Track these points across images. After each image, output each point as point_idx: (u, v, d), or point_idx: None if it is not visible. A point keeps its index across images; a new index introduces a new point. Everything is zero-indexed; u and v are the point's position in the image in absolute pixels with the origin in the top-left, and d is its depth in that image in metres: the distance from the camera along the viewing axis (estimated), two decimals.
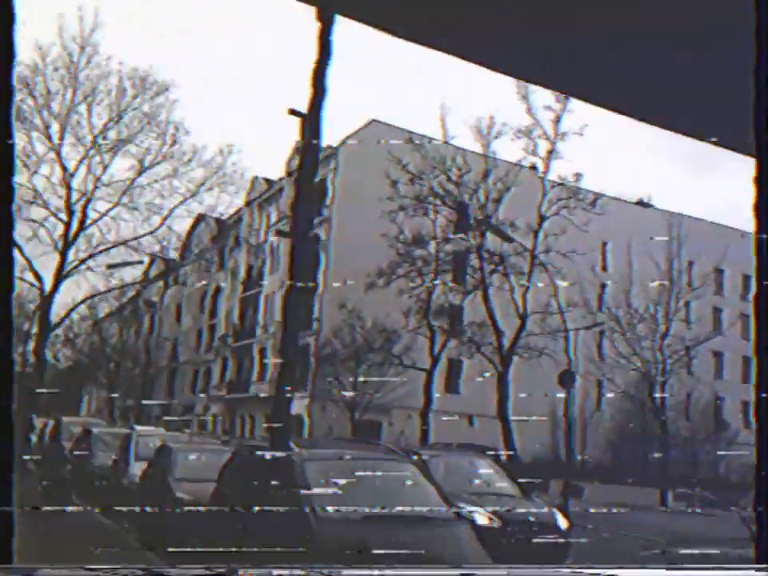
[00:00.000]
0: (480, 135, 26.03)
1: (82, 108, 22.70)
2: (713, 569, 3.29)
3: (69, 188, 22.79)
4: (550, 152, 24.31)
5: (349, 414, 32.48)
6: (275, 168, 62.62)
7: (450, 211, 27.32)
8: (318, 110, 5.78)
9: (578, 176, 25.55)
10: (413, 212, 27.92)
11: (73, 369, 49.45)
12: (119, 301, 43.81)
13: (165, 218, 24.37)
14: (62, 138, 22.43)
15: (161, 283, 48.37)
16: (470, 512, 9.74)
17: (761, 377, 3.19)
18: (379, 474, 7.18)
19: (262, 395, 37.44)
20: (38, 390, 22.99)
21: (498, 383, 24.69)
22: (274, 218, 41.71)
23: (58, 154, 22.57)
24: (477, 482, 11.41)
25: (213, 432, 38.32)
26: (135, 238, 24.13)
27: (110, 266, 25.14)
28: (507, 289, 25.07)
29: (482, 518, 9.80)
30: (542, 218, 25.35)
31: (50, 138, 22.31)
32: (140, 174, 23.69)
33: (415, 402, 29.04)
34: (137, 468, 12.44)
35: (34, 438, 21.17)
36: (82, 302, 30.85)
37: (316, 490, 6.52)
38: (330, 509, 6.36)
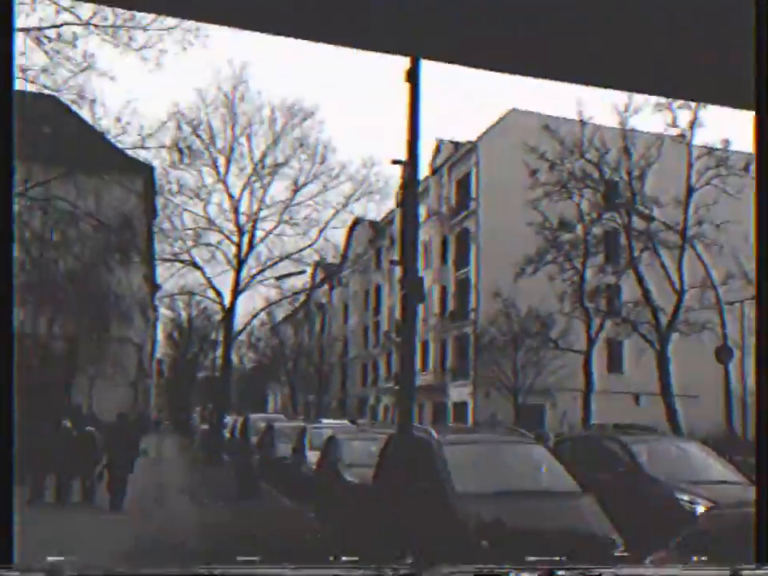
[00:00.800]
0: (618, 113, 25.62)
1: (242, 140, 25.32)
2: (713, 568, 3.17)
3: (236, 213, 25.54)
4: (693, 121, 23.52)
5: (512, 398, 33.28)
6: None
7: (593, 193, 27.18)
8: (415, 156, 6.83)
9: (727, 142, 24.50)
10: (557, 197, 27.96)
11: (257, 370, 54.15)
12: (293, 305, 47.36)
13: (321, 230, 26.45)
14: (227, 169, 25.22)
15: (326, 286, 51.59)
16: (691, 502, 8.53)
17: (760, 377, 3.12)
18: (510, 454, 8.19)
19: (426, 384, 39.19)
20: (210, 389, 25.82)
21: (659, 361, 24.36)
22: (423, 216, 43.23)
23: (225, 183, 25.36)
24: (692, 468, 9.87)
25: (384, 421, 40.59)
26: (298, 251, 26.45)
27: (278, 278, 27.74)
28: (658, 265, 24.66)
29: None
30: (691, 190, 24.62)
31: (217, 170, 25.16)
32: (295, 192, 25.94)
33: (577, 383, 29.16)
34: (312, 456, 14.25)
35: (226, 434, 24.02)
36: (262, 310, 34.06)
37: (453, 470, 7.66)
38: (465, 486, 7.45)
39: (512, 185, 31.33)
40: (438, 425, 31.94)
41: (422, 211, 43.71)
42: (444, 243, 40.55)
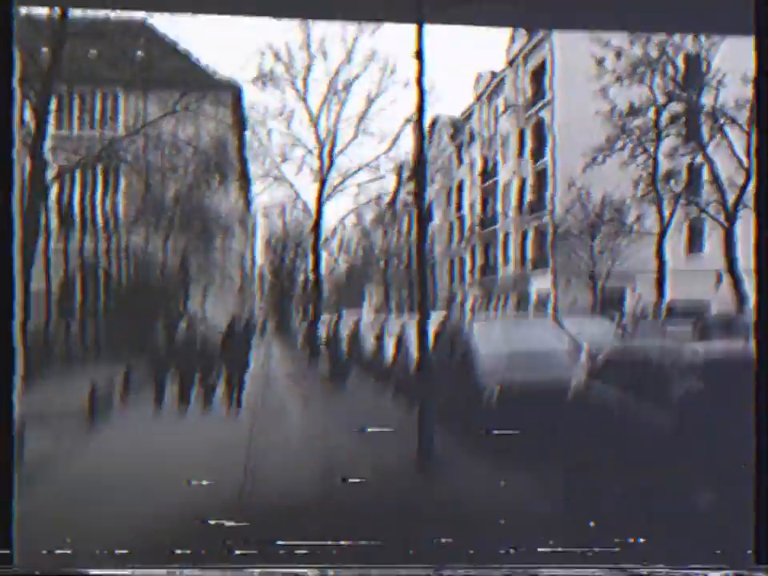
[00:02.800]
0: None
1: (318, 59, 26.82)
2: (713, 568, 3.36)
3: (317, 128, 27.46)
4: None
5: (591, 284, 34.60)
6: (497, 61, 63.22)
7: (662, 75, 27.25)
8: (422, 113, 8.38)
9: None
10: (628, 82, 28.14)
11: (352, 270, 57.39)
12: (379, 206, 49.47)
13: (394, 139, 27.79)
14: (305, 88, 26.95)
15: (412, 185, 53.18)
16: None
17: (760, 376, 3.30)
18: (524, 327, 10.26)
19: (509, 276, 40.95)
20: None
21: (725, 239, 25.16)
22: (501, 108, 43.60)
23: (305, 101, 27.18)
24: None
25: (472, 312, 42.86)
26: (375, 158, 28.18)
27: (360, 185, 29.80)
28: (726, 145, 24.97)
29: None
30: None
31: (296, 90, 26.94)
32: (369, 105, 27.35)
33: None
34: (390, 343, 16.71)
35: (323, 330, 26.95)
36: (347, 214, 36.61)
37: (479, 340, 9.83)
38: (487, 350, 9.65)
39: (586, 73, 31.36)
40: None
41: (500, 104, 44.07)
42: (521, 135, 41.06)
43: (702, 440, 4.09)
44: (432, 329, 13.33)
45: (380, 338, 18.07)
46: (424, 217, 8.20)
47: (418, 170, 8.85)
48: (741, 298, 24.40)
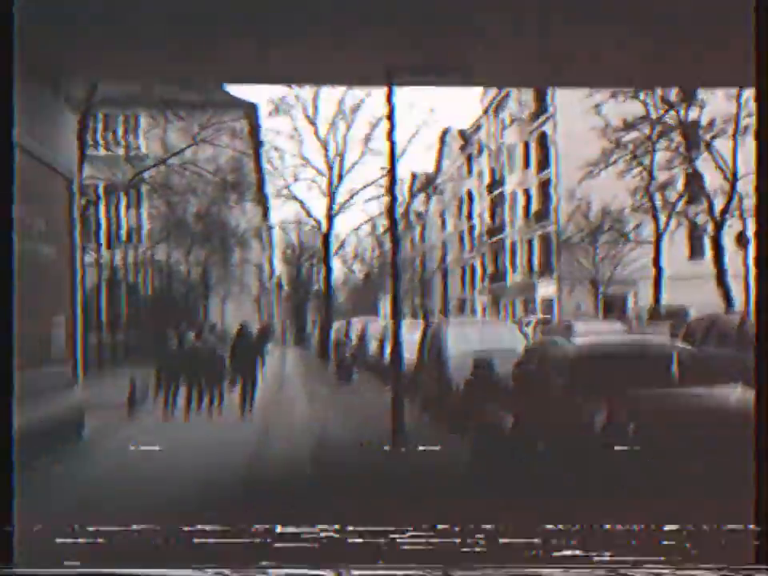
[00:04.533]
0: None
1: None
2: (713, 569, 3.29)
3: (326, 150, 29.28)
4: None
5: (593, 291, 36.07)
6: None
7: (653, 93, 28.61)
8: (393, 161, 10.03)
9: None
10: (622, 99, 29.45)
11: (366, 279, 59.20)
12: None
13: (398, 156, 29.15)
14: (315, 112, 28.80)
15: (424, 196, 54.95)
16: None
17: (760, 376, 3.26)
18: (488, 329, 11.99)
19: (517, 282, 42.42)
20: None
21: (713, 247, 26.51)
22: (507, 121, 45.20)
23: (314, 125, 29.01)
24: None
25: (482, 317, 44.46)
26: (380, 177, 29.69)
27: (367, 201, 31.57)
28: (710, 158, 26.38)
29: None
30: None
31: (306, 114, 28.80)
32: (374, 126, 28.98)
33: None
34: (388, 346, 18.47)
35: (333, 335, 28.66)
36: (359, 226, 38.40)
37: (449, 340, 11.54)
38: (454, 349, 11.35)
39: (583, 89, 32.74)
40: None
41: (506, 117, 45.66)
42: (526, 147, 42.64)
43: None
44: (419, 333, 15.12)
45: (382, 341, 19.75)
46: (396, 242, 10.04)
47: (391, 213, 10.67)
48: (728, 302, 25.69)
